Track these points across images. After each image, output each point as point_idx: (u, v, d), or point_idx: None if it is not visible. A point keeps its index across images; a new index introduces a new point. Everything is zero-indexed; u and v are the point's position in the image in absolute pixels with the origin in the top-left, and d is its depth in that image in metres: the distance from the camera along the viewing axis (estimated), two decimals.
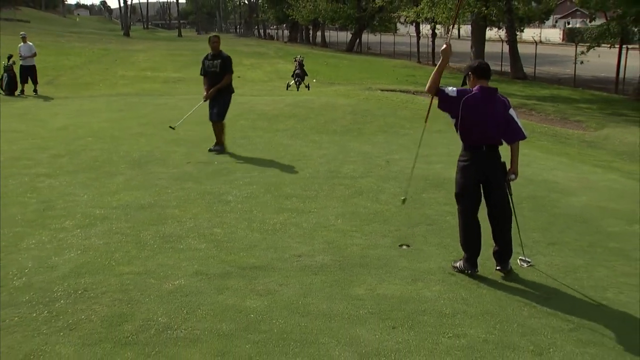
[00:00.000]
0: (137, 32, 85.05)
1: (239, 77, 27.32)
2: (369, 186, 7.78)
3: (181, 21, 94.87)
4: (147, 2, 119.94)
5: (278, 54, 41.17)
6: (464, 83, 5.21)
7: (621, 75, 22.30)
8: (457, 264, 5.16)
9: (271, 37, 79.98)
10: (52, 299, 4.49)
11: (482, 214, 5.07)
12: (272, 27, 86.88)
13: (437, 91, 5.01)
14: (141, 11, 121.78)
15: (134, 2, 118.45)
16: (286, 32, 75.59)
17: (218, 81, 9.68)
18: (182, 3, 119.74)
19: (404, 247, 5.71)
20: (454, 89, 5.04)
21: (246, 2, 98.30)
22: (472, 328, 4.17)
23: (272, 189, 7.61)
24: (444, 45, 5.09)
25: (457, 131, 5.07)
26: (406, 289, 4.76)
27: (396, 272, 5.07)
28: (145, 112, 14.21)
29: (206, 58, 9.89)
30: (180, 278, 4.89)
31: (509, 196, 5.07)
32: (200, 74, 10.06)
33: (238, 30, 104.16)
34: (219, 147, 9.84)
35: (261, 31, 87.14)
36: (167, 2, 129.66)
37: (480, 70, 5.08)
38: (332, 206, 6.94)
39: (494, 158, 5.00)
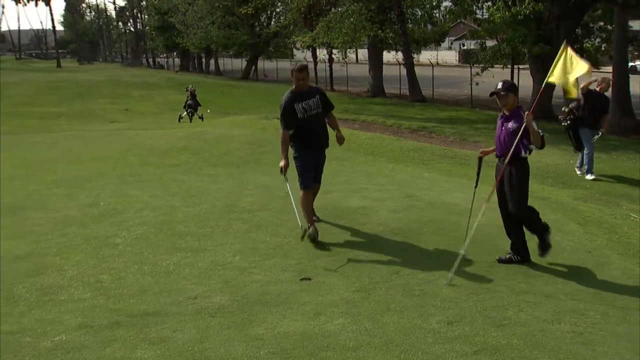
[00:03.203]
0: (9, 62, 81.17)
1: (126, 109, 26.85)
2: (268, 219, 7.82)
3: (60, 50, 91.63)
4: (19, 30, 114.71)
5: (169, 84, 40.70)
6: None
7: None
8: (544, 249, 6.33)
9: (161, 66, 78.96)
10: None
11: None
12: (161, 56, 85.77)
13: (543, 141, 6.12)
14: (12, 40, 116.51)
15: (2, 29, 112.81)
16: (177, 61, 74.93)
17: (323, 124, 7.27)
18: (60, 31, 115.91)
19: (306, 280, 5.77)
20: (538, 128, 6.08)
21: (132, 29, 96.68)
22: None
23: (165, 228, 7.48)
24: (527, 113, 6.05)
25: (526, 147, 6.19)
26: (308, 324, 4.81)
27: (298, 308, 5.12)
28: (20, 152, 13.58)
29: (294, 100, 6.98)
30: (61, 333, 4.67)
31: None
32: (287, 127, 7.03)
33: (125, 59, 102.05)
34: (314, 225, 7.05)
35: (150, 60, 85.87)
36: (43, 29, 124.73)
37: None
38: (229, 243, 6.91)
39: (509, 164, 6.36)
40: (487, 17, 23.49)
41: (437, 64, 34.04)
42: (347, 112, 22.15)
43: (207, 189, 9.64)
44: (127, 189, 9.73)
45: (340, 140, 7.26)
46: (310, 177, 7.17)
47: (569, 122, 11.94)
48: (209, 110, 23.27)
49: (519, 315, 5.03)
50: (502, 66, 24.60)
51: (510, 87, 6.38)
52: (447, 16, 27.87)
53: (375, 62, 32.07)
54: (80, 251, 6.67)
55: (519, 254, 6.39)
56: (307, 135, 7.08)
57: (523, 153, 6.19)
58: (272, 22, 48.78)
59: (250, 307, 5.13)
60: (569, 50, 6.11)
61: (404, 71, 30.17)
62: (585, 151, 11.93)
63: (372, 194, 9.06)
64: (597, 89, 11.90)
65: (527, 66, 23.60)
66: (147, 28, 77.71)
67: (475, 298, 5.36)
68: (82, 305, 5.22)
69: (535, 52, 20.54)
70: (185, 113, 21.69)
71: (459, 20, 24.39)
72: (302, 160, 7.14)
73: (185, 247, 6.79)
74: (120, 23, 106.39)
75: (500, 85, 6.37)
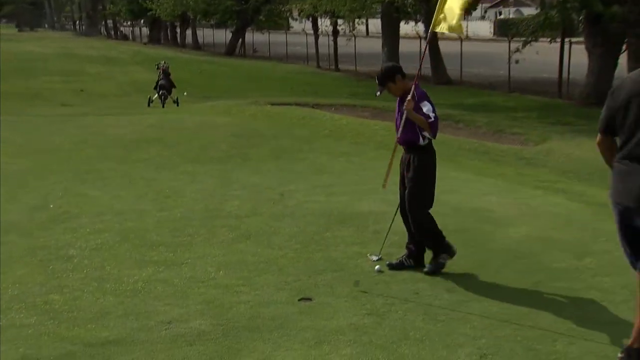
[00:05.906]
0: None
1: (82, 90, 26.89)
2: (258, 227, 7.86)
3: None
4: None
5: (135, 60, 40.70)
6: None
7: (565, 75, 23.84)
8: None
9: (125, 37, 78.92)
10: None
11: None
12: (125, 24, 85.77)
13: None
14: None
15: None
16: (145, 31, 74.89)
17: None
18: None
19: (305, 301, 5.81)
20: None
21: None
22: None
23: (132, 237, 7.51)
24: (407, 100, 6.31)
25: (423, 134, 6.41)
26: (309, 354, 4.84)
27: (295, 334, 5.15)
28: None
29: None
30: None
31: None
32: (604, 129, 4.75)
33: (79, 27, 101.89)
34: None
35: (111, 29, 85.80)
36: None
37: None
38: (211, 255, 6.95)
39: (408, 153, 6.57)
40: None
41: (467, 37, 34.08)
42: (355, 96, 22.08)
43: (183, 190, 9.68)
44: (84, 188, 9.76)
45: None
46: None
47: None
48: (185, 93, 23.30)
49: (570, 348, 5.04)
50: (549, 40, 24.32)
51: (384, 79, 6.47)
52: None
53: (390, 35, 32.03)
54: (22, 265, 6.68)
55: (412, 258, 6.64)
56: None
57: (420, 141, 6.41)
58: None
59: (237, 334, 5.16)
60: None
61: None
62: None
63: (386, 197, 9.03)
64: None
65: (582, 39, 23.38)
66: None
67: (513, 325, 5.38)
68: (26, 332, 5.23)
69: (609, 15, 19.85)
70: (156, 96, 21.72)
71: None
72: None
73: (157, 259, 6.81)
74: None
75: (376, 79, 6.51)
